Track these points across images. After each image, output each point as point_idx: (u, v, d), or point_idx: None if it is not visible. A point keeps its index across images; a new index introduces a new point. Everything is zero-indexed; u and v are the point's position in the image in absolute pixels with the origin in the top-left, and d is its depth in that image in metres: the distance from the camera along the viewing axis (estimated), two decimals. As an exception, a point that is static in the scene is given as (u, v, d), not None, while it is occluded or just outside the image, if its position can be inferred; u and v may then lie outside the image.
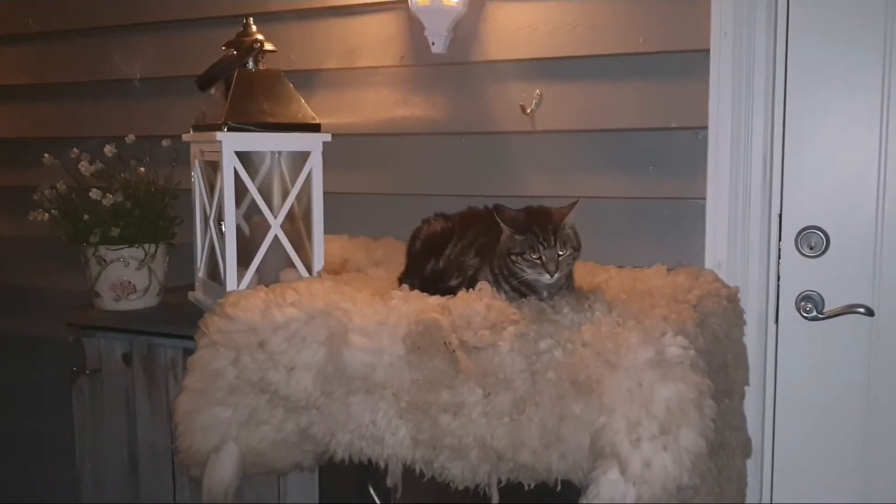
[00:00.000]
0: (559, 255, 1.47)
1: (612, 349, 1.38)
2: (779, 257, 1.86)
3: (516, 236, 1.50)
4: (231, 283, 1.86)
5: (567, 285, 1.59)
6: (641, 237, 1.92)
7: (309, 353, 1.56)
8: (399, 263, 1.86)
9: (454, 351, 1.48)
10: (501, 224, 1.51)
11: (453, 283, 1.66)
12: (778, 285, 1.87)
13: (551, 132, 1.98)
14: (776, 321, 1.88)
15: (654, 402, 1.32)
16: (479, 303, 1.53)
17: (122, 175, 2.02)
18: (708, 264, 1.86)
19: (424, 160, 2.13)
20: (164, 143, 2.12)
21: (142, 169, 2.10)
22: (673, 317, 1.49)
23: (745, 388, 1.77)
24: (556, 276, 1.47)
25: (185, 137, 2.02)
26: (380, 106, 2.16)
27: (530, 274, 1.48)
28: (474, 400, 1.44)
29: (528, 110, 1.97)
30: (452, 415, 1.46)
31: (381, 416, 1.51)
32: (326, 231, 2.02)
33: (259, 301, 1.66)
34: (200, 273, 2.07)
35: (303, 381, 1.57)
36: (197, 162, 2.02)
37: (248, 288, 1.85)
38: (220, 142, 1.83)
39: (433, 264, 1.73)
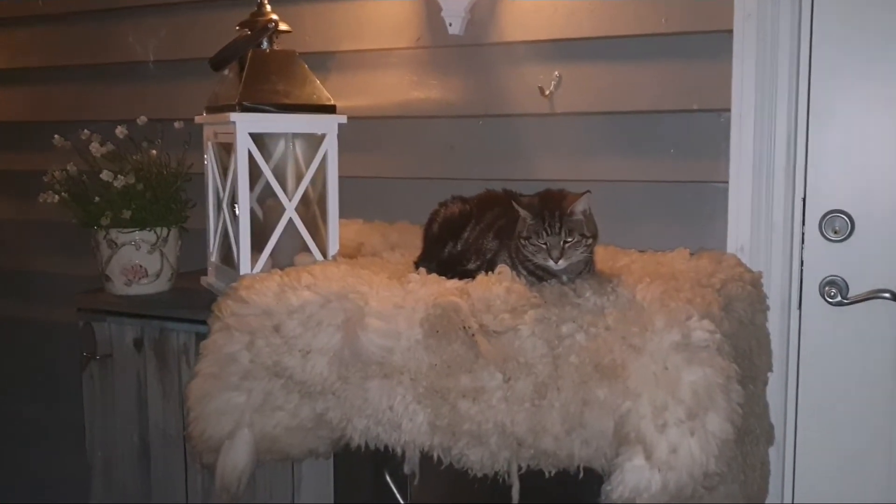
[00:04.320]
0: (565, 242, 1.45)
1: (637, 333, 1.35)
2: (802, 242, 1.82)
3: (528, 221, 1.48)
4: (245, 266, 1.83)
5: (588, 269, 1.56)
6: (663, 221, 1.88)
7: (325, 337, 1.53)
8: (415, 248, 1.83)
9: (473, 335, 1.44)
10: (516, 207, 1.49)
11: (472, 266, 1.64)
12: (801, 270, 1.83)
13: (570, 114, 1.94)
14: (799, 307, 1.84)
15: (680, 387, 1.29)
16: (498, 286, 1.49)
17: (134, 157, 1.98)
18: (730, 249, 1.82)
19: (441, 143, 2.09)
20: (177, 125, 2.09)
21: (154, 151, 2.06)
22: (698, 300, 1.45)
23: (769, 374, 1.73)
24: (562, 262, 1.45)
25: (197, 119, 1.98)
26: (395, 88, 2.12)
27: (538, 259, 1.47)
28: (494, 385, 1.41)
29: (547, 92, 1.94)
30: (472, 400, 1.43)
31: (399, 401, 1.47)
32: (341, 215, 1.99)
33: (274, 284, 1.63)
34: (213, 257, 2.03)
35: (318, 366, 1.53)
36: (210, 144, 1.99)
37: (262, 272, 1.81)
38: (233, 123, 1.80)
39: (451, 247, 1.70)
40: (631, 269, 1.64)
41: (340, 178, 1.88)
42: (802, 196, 1.82)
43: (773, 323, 1.78)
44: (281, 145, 2.03)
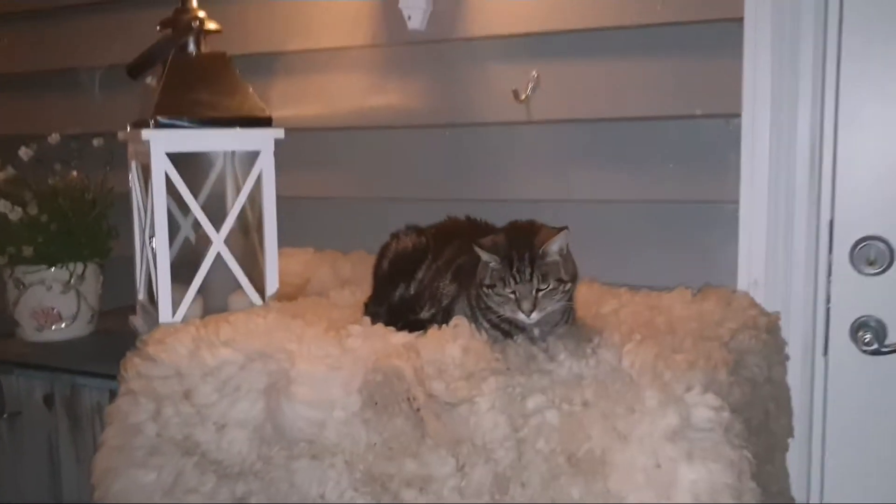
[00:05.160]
0: (538, 291, 1.20)
1: (623, 413, 1.07)
2: (829, 275, 1.55)
3: (492, 265, 1.23)
4: (165, 312, 1.57)
5: (565, 318, 1.29)
6: (660, 250, 1.63)
7: (244, 407, 1.29)
8: (368, 283, 1.58)
9: (419, 409, 1.17)
10: (478, 251, 1.24)
11: (425, 315, 1.38)
12: (828, 310, 1.55)
13: (550, 122, 1.71)
14: (825, 353, 1.56)
15: (677, 489, 1.01)
16: (453, 344, 1.24)
17: (49, 182, 1.74)
18: (741, 284, 1.55)
19: (402, 158, 1.87)
20: (96, 142, 1.84)
21: (74, 172, 1.81)
22: (701, 363, 1.18)
23: (789, 440, 1.43)
24: (535, 315, 1.21)
25: (120, 136, 1.72)
26: (350, 94, 1.90)
27: (506, 311, 1.23)
28: (446, 472, 1.16)
29: (523, 96, 1.70)
30: (418, 490, 1.18)
31: (332, 487, 1.23)
32: (290, 243, 1.80)
33: (188, 339, 1.38)
34: (140, 294, 1.78)
35: (237, 442, 1.29)
36: (133, 164, 1.73)
37: (185, 319, 1.55)
38: (147, 142, 1.53)
39: (403, 290, 1.44)
40: (619, 316, 1.37)
41: (289, 199, 1.70)
42: (829, 219, 1.54)
43: (794, 374, 1.50)
44: (219, 163, 1.81)
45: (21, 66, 2.33)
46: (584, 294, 1.47)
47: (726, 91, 1.54)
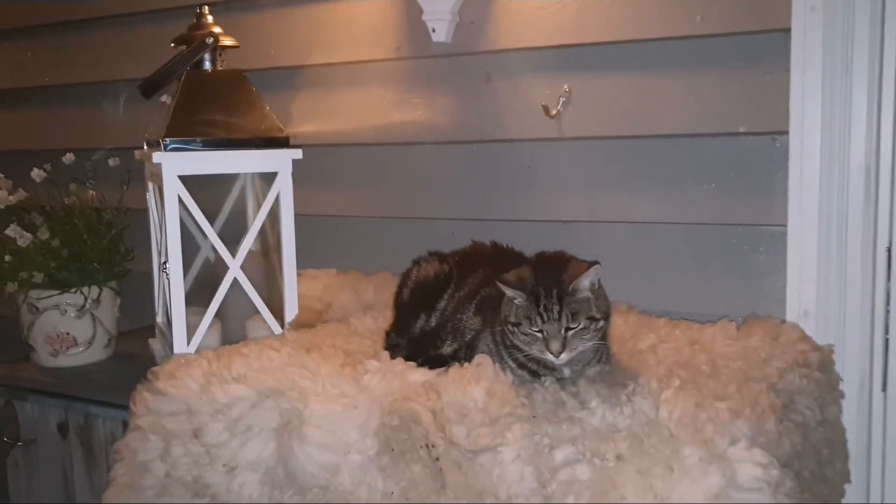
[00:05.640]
0: (568, 330, 1.12)
1: (660, 472, 0.97)
2: (887, 304, 1.42)
3: (517, 301, 1.15)
4: (179, 342, 1.50)
5: (598, 357, 1.20)
6: (700, 276, 1.53)
7: (255, 448, 1.22)
8: (392, 308, 1.51)
9: (438, 459, 1.09)
10: (502, 287, 1.15)
11: (446, 350, 1.30)
12: (886, 341, 1.43)
13: (582, 139, 1.62)
14: (884, 389, 1.44)
15: (720, 560, 0.90)
16: (475, 385, 1.15)
17: (64, 201, 1.69)
18: (790, 314, 1.44)
19: (426, 175, 1.80)
20: (111, 162, 1.77)
21: (91, 192, 1.77)
22: (746, 411, 1.07)
23: (845, 486, 1.32)
24: (564, 356, 1.12)
25: (137, 155, 1.67)
26: (372, 109, 1.83)
27: (533, 350, 1.14)
28: None
29: (553, 112, 1.61)
30: None
31: None
32: (313, 263, 1.75)
33: (200, 373, 1.32)
34: (158, 317, 1.72)
35: (248, 486, 1.22)
36: (150, 184, 1.67)
37: (201, 347, 1.49)
38: (159, 164, 1.46)
39: (423, 321, 1.37)
40: (658, 353, 1.27)
41: (311, 217, 1.70)
42: (887, 246, 1.42)
43: (850, 413, 1.39)
44: (239, 182, 1.76)
45: (36, 81, 2.30)
46: (620, 326, 1.38)
47: (772, 107, 1.44)
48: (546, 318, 1.12)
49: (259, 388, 1.24)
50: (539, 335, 1.13)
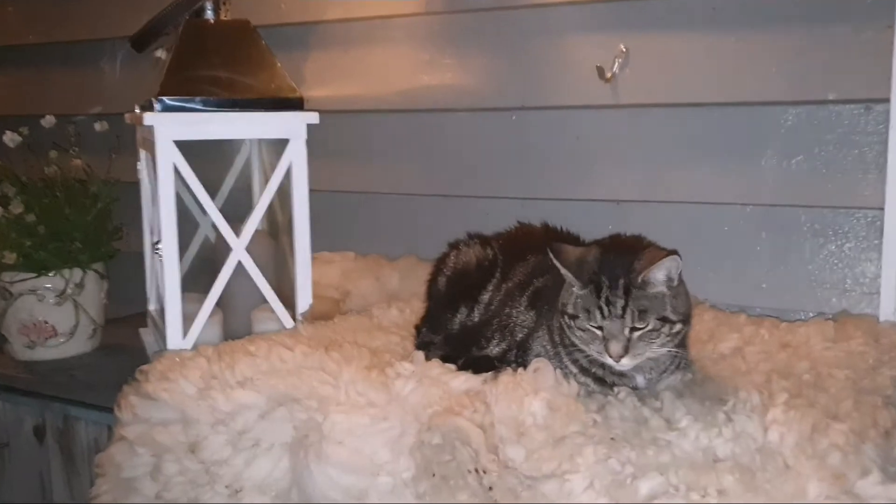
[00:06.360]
0: (633, 330, 0.95)
1: (778, 512, 0.78)
2: None
3: (575, 289, 0.99)
4: (173, 336, 1.32)
5: (677, 363, 1.02)
6: (779, 265, 1.38)
7: (264, 467, 1.06)
8: (421, 298, 1.37)
9: (491, 488, 0.92)
10: (555, 263, 1.00)
11: (493, 350, 1.12)
12: None
13: (641, 107, 1.47)
14: None
15: None
16: (534, 396, 0.98)
17: (27, 174, 1.51)
18: (885, 311, 1.27)
19: (460, 147, 1.67)
20: (98, 126, 1.60)
21: (78, 161, 1.60)
22: (870, 432, 0.90)
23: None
24: (626, 362, 0.96)
25: (127, 118, 1.49)
26: (398, 71, 1.69)
27: (591, 350, 0.98)
28: None
29: (609, 74, 1.47)
30: None
31: None
32: (328, 246, 1.66)
33: (198, 374, 1.15)
34: (151, 304, 1.54)
35: None
36: (142, 153, 1.50)
37: (198, 343, 1.30)
38: (150, 127, 1.28)
39: (464, 316, 1.20)
40: (746, 358, 1.11)
41: (328, 194, 1.62)
42: None
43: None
44: (245, 152, 1.62)
45: (20, 39, 2.15)
46: (694, 322, 1.18)
47: (869, 70, 1.29)
48: (607, 314, 0.95)
49: (269, 395, 1.08)
50: (599, 332, 0.96)
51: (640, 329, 0.95)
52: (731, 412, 0.90)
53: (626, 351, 0.95)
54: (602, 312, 0.95)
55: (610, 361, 0.96)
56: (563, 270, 0.99)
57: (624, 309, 0.95)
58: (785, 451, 0.84)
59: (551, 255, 0.99)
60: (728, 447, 0.86)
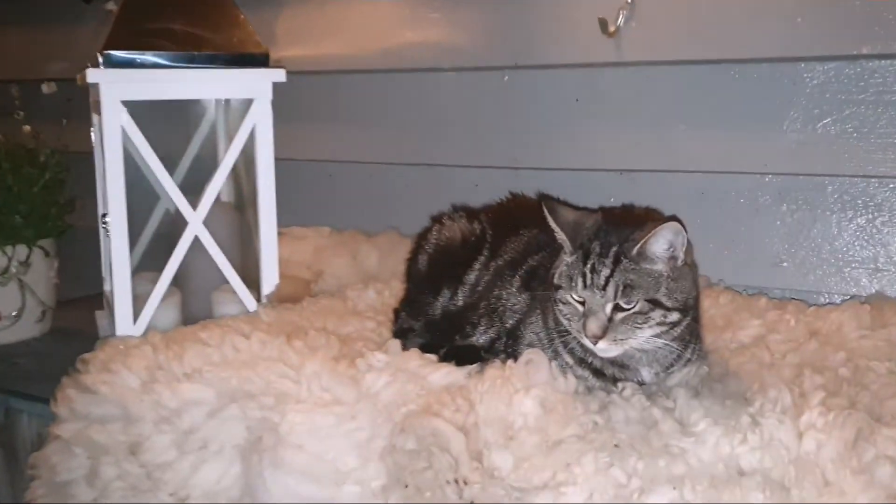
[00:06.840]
0: (616, 309, 0.84)
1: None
2: None
3: (564, 255, 0.89)
4: (123, 319, 1.21)
5: (686, 358, 0.90)
6: (806, 243, 1.28)
7: (214, 473, 0.96)
8: (401, 279, 1.29)
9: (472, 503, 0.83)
10: (549, 220, 0.90)
11: (480, 339, 1.02)
12: None
13: (649, 64, 1.39)
14: None
15: None
16: (525, 394, 0.89)
17: None
18: None
19: (447, 110, 1.60)
20: (45, 88, 1.46)
21: (27, 127, 1.48)
22: None
23: None
24: (603, 345, 0.85)
25: (78, 79, 1.37)
26: (378, 27, 1.62)
27: (572, 326, 0.88)
28: None
29: (612, 28, 1.38)
30: None
31: None
32: (300, 220, 1.57)
33: (142, 364, 1.05)
34: (106, 285, 1.44)
35: None
36: (95, 118, 1.39)
37: (148, 329, 1.20)
38: (96, 85, 1.18)
39: (447, 299, 1.10)
40: (770, 346, 1.01)
41: (299, 163, 1.58)
42: None
43: None
44: (208, 115, 1.50)
45: None
46: (708, 308, 1.09)
47: None
48: (589, 283, 0.84)
49: (219, 389, 0.99)
50: (580, 308, 0.86)
51: (626, 310, 0.84)
52: (757, 414, 0.79)
53: (603, 332, 0.83)
54: (585, 281, 0.84)
55: (587, 342, 0.85)
56: (557, 230, 0.88)
57: (608, 280, 0.84)
58: (824, 462, 0.73)
59: (545, 212, 0.89)
60: (755, 457, 0.75)
